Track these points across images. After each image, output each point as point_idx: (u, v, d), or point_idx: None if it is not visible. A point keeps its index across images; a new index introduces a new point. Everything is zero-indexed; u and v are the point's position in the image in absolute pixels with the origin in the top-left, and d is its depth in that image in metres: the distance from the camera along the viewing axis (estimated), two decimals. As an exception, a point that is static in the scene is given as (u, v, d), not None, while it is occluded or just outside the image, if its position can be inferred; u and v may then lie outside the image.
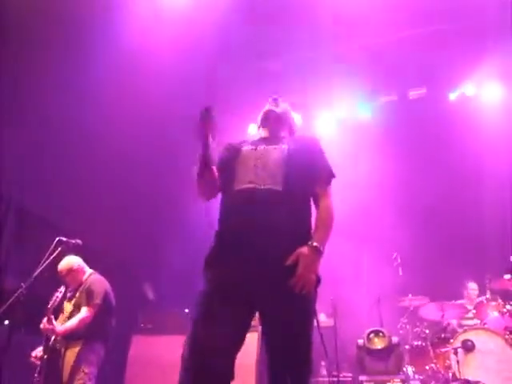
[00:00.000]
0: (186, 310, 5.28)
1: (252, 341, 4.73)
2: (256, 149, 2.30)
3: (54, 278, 4.03)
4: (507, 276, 5.06)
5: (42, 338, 3.82)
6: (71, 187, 5.61)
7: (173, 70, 5.37)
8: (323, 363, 4.91)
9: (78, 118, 5.21)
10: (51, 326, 3.68)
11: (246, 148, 2.34)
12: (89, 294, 3.88)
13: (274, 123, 2.45)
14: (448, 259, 5.76)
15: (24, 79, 4.88)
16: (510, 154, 5.99)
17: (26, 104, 5.06)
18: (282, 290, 1.96)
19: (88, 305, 3.83)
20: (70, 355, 3.72)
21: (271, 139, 2.37)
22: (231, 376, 1.94)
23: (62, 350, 3.78)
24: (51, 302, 3.79)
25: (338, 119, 7.14)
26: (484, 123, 6.29)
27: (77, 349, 3.72)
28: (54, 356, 3.71)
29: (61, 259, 3.87)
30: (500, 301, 5.07)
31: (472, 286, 5.67)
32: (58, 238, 3.66)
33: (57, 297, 3.80)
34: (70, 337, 3.76)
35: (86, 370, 3.68)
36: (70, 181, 5.58)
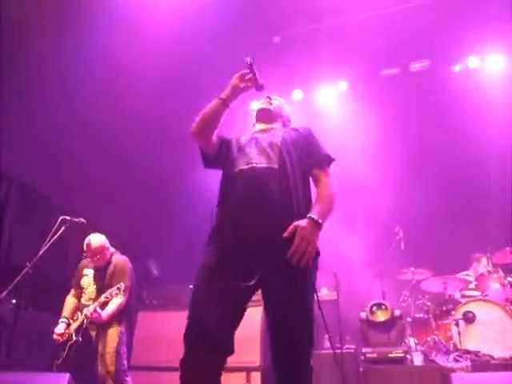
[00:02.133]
0: (190, 286, 5.33)
1: (256, 315, 4.81)
2: (253, 137, 2.42)
3: (59, 257, 4.07)
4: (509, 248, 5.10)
5: (61, 318, 3.89)
6: (74, 166, 5.61)
7: (172, 42, 5.31)
8: (326, 336, 4.97)
9: (77, 94, 5.18)
10: (99, 315, 3.73)
11: (243, 138, 2.45)
12: (122, 279, 3.91)
13: (268, 119, 2.57)
14: (450, 232, 5.78)
15: (22, 59, 4.84)
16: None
17: (26, 82, 5.02)
18: (282, 264, 1.97)
19: (124, 293, 3.87)
20: (105, 339, 3.82)
21: (267, 130, 2.50)
22: (231, 350, 1.99)
23: (93, 333, 3.88)
24: (108, 294, 3.80)
25: (339, 93, 7.08)
26: (487, 95, 6.23)
27: (111, 332, 3.83)
28: (85, 338, 3.82)
29: (65, 238, 3.88)
30: (501, 273, 5.12)
31: (484, 261, 5.69)
32: (61, 217, 3.68)
33: (116, 293, 3.80)
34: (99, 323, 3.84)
35: (121, 351, 3.82)
36: (73, 160, 5.58)
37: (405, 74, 6.64)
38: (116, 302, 3.84)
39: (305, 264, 1.96)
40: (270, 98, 2.61)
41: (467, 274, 5.59)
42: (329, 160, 2.35)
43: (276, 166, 2.18)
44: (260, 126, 2.57)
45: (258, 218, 2.05)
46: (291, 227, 2.00)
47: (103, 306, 3.83)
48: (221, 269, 2.03)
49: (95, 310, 3.72)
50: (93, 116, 5.41)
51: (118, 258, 4.10)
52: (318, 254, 2.11)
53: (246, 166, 2.20)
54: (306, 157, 2.30)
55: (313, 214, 2.05)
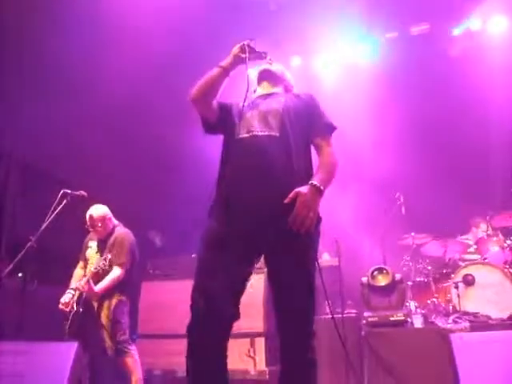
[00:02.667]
0: (193, 255, 5.39)
1: (259, 282, 4.88)
2: (254, 102, 2.37)
3: (61, 230, 4.09)
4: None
5: (68, 289, 3.96)
6: (74, 140, 5.58)
7: (172, 9, 5.21)
8: (327, 301, 5.05)
9: (78, 66, 5.10)
10: (90, 288, 3.78)
11: (244, 104, 2.38)
12: (121, 252, 3.95)
13: (269, 80, 2.50)
14: (451, 197, 5.78)
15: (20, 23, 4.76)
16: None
17: (25, 54, 4.95)
18: (284, 231, 1.99)
19: (120, 264, 3.92)
20: (106, 310, 3.88)
21: (268, 94, 2.44)
22: (237, 316, 2.03)
23: (95, 304, 3.94)
24: (97, 266, 3.88)
25: (338, 57, 6.97)
26: (489, 58, 6.13)
27: (111, 303, 3.89)
28: (86, 309, 3.88)
29: (66, 211, 3.90)
30: (501, 236, 5.16)
31: (483, 227, 5.72)
32: (62, 191, 3.68)
33: (104, 264, 3.88)
34: (102, 293, 3.90)
35: (123, 321, 3.89)
36: (74, 133, 5.55)
37: (404, 37, 6.51)
38: (112, 275, 3.88)
39: (306, 230, 1.97)
40: (271, 61, 2.53)
41: (466, 239, 5.65)
42: (331, 128, 2.33)
43: (277, 134, 2.16)
44: (262, 90, 2.51)
45: (260, 188, 2.06)
46: (292, 193, 2.01)
47: (96, 277, 3.88)
48: (224, 238, 2.05)
49: (86, 283, 3.77)
50: (92, 88, 5.35)
51: (120, 231, 4.12)
52: (319, 220, 2.12)
53: (247, 135, 2.18)
54: (308, 125, 2.28)
55: (314, 181, 2.05)
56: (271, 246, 2.06)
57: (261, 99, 2.40)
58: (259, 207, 2.04)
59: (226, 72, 2.29)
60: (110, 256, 3.91)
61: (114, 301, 3.90)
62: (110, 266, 3.93)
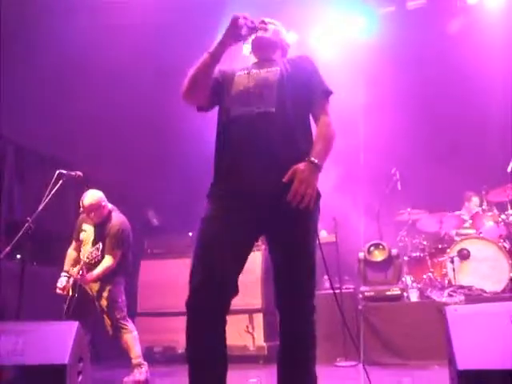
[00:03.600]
0: (190, 234, 5.42)
1: (256, 259, 4.92)
2: (249, 73, 2.27)
3: (58, 211, 4.08)
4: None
5: (63, 272, 3.99)
6: (69, 120, 5.53)
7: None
8: (326, 277, 5.11)
9: (76, 48, 5.03)
10: (82, 278, 3.85)
11: (238, 73, 2.30)
12: (115, 242, 3.96)
13: (265, 49, 2.38)
14: (448, 172, 5.80)
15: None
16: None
17: (24, 39, 4.89)
18: (283, 209, 1.99)
19: (113, 254, 3.94)
20: (103, 292, 3.93)
21: (264, 63, 2.33)
22: (236, 291, 2.05)
23: (95, 287, 3.97)
24: (90, 255, 3.96)
25: (333, 32, 6.89)
26: (486, 33, 6.06)
27: (107, 286, 3.93)
28: (83, 293, 3.93)
29: (63, 192, 3.88)
30: (495, 211, 5.20)
31: (475, 200, 5.75)
32: (58, 171, 3.66)
33: (97, 254, 3.95)
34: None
35: (119, 300, 3.94)
36: (68, 114, 5.49)
37: (401, 12, 6.42)
38: (104, 264, 3.92)
39: (305, 206, 1.98)
40: (265, 24, 2.36)
41: (460, 214, 5.68)
42: (328, 94, 2.27)
43: (273, 109, 2.11)
44: (257, 58, 2.39)
45: (260, 169, 2.04)
46: (290, 171, 2.00)
47: (90, 265, 3.94)
48: (224, 216, 2.06)
49: (78, 272, 3.84)
50: (91, 71, 5.30)
51: (116, 219, 4.09)
52: (318, 195, 2.12)
53: (243, 112, 2.14)
54: (305, 93, 2.21)
55: (312, 156, 2.04)
56: (273, 223, 2.06)
57: (256, 67, 2.31)
58: (260, 187, 2.04)
59: (215, 59, 2.17)
60: (101, 246, 3.96)
61: (110, 284, 3.95)
62: (103, 255, 3.98)
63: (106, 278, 3.94)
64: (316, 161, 2.03)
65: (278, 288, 2.10)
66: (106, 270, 3.91)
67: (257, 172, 2.04)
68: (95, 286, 3.96)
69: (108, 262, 3.94)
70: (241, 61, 2.36)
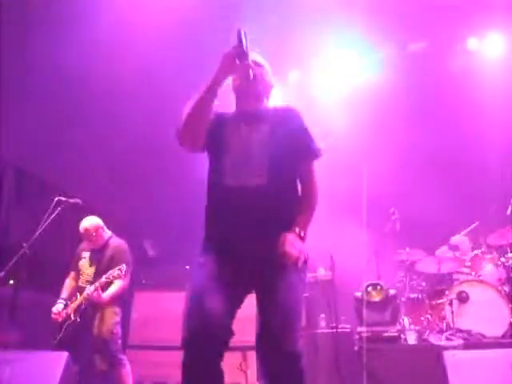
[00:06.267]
0: (187, 267, 5.37)
1: (251, 298, 4.85)
2: (239, 129, 2.23)
3: (55, 238, 4.07)
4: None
5: (59, 299, 3.94)
6: (70, 146, 5.58)
7: (172, 25, 5.25)
8: (322, 315, 5.03)
9: (77, 72, 5.11)
10: (99, 295, 3.79)
11: (229, 128, 2.25)
12: (123, 262, 3.94)
13: (252, 99, 2.30)
14: (447, 214, 5.79)
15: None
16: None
17: (32, 59, 4.98)
18: (272, 269, 2.04)
19: (124, 276, 3.91)
20: (102, 319, 3.89)
21: (252, 116, 2.27)
22: (232, 333, 2.04)
23: (88, 314, 3.92)
24: (109, 275, 3.85)
25: (335, 73, 7.01)
26: (486, 78, 6.19)
27: (105, 314, 3.90)
28: (83, 319, 3.88)
29: (61, 219, 3.89)
30: (495, 254, 5.16)
31: (461, 239, 5.72)
32: (57, 198, 3.67)
33: (118, 274, 3.84)
34: (96, 304, 3.90)
35: (115, 331, 3.90)
36: (69, 140, 5.54)
37: (402, 54, 6.57)
38: (118, 284, 3.90)
39: (294, 263, 2.03)
40: (252, 68, 2.16)
41: (461, 254, 5.63)
42: (318, 155, 2.28)
43: (265, 181, 2.11)
44: (245, 108, 2.30)
45: (250, 239, 2.08)
46: (281, 239, 2.04)
47: (104, 286, 3.87)
48: (218, 273, 2.07)
49: (96, 290, 3.76)
50: (91, 97, 5.36)
51: (117, 242, 4.13)
52: (307, 258, 2.15)
53: (235, 183, 2.13)
54: (294, 152, 2.21)
55: (297, 227, 2.11)
56: (261, 281, 2.10)
57: (244, 122, 2.25)
58: (251, 253, 2.07)
59: (214, 95, 2.12)
60: (124, 267, 3.88)
61: (109, 312, 3.90)
62: (119, 276, 3.92)
63: (108, 305, 3.89)
64: (302, 234, 2.11)
65: (262, 313, 2.09)
66: (120, 289, 3.89)
67: (248, 242, 2.07)
68: (92, 314, 3.91)
69: (122, 283, 3.92)
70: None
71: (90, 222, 4.09)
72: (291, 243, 2.03)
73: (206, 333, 1.95)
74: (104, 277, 3.85)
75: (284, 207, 2.16)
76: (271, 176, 2.12)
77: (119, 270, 3.85)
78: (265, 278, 2.08)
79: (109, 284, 3.90)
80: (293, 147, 2.20)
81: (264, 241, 2.06)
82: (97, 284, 3.81)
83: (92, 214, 4.25)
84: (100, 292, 3.78)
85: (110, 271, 3.86)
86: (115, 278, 3.86)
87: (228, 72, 2.15)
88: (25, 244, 3.46)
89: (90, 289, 3.83)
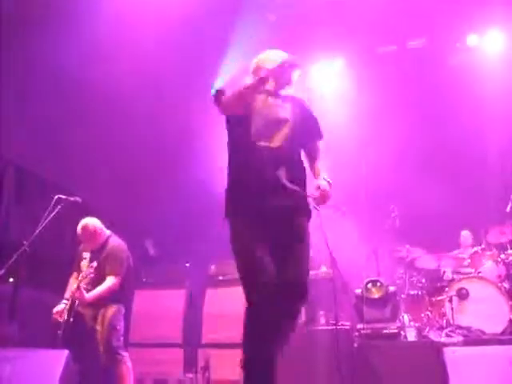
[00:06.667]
0: (187, 265, 5.37)
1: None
2: (267, 100, 2.70)
3: (55, 236, 4.07)
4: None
5: (63, 299, 3.94)
6: (70, 145, 5.58)
7: (173, 22, 5.24)
8: (322, 312, 5.03)
9: (78, 73, 5.11)
10: (81, 295, 3.77)
11: (260, 97, 2.67)
12: (114, 262, 3.94)
13: (285, 87, 2.81)
14: (445, 210, 5.80)
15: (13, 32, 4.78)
16: None
17: (32, 59, 4.97)
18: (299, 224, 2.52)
19: (115, 274, 3.91)
20: (101, 317, 3.87)
21: (277, 94, 2.77)
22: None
23: (90, 312, 3.92)
24: (84, 274, 3.85)
25: (335, 69, 7.01)
26: (485, 74, 6.18)
27: (108, 311, 3.88)
28: (79, 319, 3.87)
29: (61, 217, 3.89)
30: (495, 250, 5.17)
31: (464, 234, 5.75)
32: (57, 196, 3.67)
33: (90, 272, 3.85)
34: (97, 302, 3.88)
35: (118, 327, 3.89)
36: (70, 139, 5.54)
37: (401, 51, 6.56)
38: (105, 285, 3.88)
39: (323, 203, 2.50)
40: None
41: (458, 252, 5.66)
42: (323, 137, 2.81)
43: (286, 146, 2.57)
44: (272, 87, 2.75)
45: (276, 196, 2.46)
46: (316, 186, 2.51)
47: (95, 284, 3.87)
48: (259, 235, 2.41)
49: (76, 289, 3.76)
50: (92, 96, 5.36)
51: (115, 242, 4.10)
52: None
53: (264, 144, 2.54)
54: (304, 132, 2.70)
55: (324, 175, 2.58)
56: (282, 236, 2.47)
57: (273, 100, 2.72)
58: (277, 205, 2.46)
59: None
60: (95, 264, 3.88)
61: (111, 309, 3.90)
62: (101, 275, 3.92)
63: (106, 303, 3.89)
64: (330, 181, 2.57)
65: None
66: (105, 290, 3.85)
67: (275, 202, 2.47)
68: (95, 311, 3.90)
69: (109, 282, 3.89)
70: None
71: (87, 224, 4.06)
72: (326, 188, 2.48)
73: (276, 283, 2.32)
74: (80, 275, 3.86)
75: (299, 167, 2.66)
76: (290, 144, 2.60)
77: (91, 267, 3.86)
78: (283, 236, 2.44)
79: (99, 282, 3.89)
80: (306, 127, 2.74)
81: (290, 198, 2.48)
82: (76, 283, 3.80)
83: (92, 213, 4.24)
84: (83, 291, 3.76)
85: (85, 270, 3.87)
86: (88, 276, 3.84)
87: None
88: (25, 242, 3.46)
89: (73, 289, 3.83)
